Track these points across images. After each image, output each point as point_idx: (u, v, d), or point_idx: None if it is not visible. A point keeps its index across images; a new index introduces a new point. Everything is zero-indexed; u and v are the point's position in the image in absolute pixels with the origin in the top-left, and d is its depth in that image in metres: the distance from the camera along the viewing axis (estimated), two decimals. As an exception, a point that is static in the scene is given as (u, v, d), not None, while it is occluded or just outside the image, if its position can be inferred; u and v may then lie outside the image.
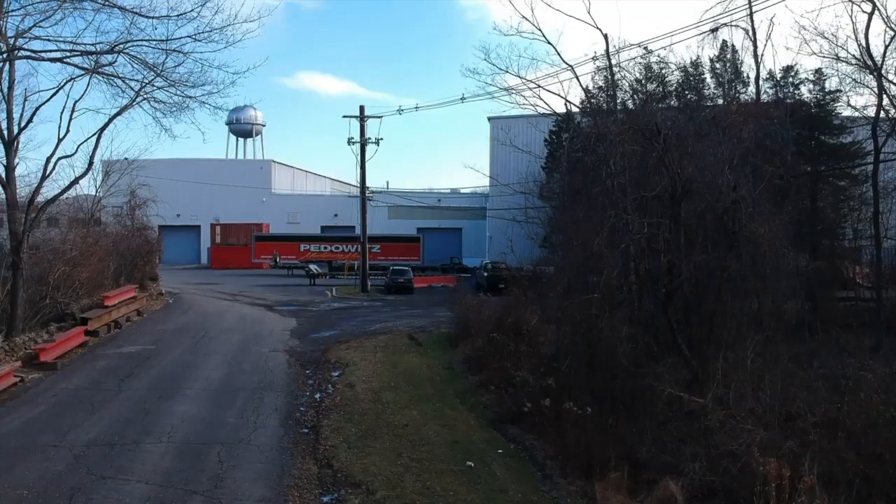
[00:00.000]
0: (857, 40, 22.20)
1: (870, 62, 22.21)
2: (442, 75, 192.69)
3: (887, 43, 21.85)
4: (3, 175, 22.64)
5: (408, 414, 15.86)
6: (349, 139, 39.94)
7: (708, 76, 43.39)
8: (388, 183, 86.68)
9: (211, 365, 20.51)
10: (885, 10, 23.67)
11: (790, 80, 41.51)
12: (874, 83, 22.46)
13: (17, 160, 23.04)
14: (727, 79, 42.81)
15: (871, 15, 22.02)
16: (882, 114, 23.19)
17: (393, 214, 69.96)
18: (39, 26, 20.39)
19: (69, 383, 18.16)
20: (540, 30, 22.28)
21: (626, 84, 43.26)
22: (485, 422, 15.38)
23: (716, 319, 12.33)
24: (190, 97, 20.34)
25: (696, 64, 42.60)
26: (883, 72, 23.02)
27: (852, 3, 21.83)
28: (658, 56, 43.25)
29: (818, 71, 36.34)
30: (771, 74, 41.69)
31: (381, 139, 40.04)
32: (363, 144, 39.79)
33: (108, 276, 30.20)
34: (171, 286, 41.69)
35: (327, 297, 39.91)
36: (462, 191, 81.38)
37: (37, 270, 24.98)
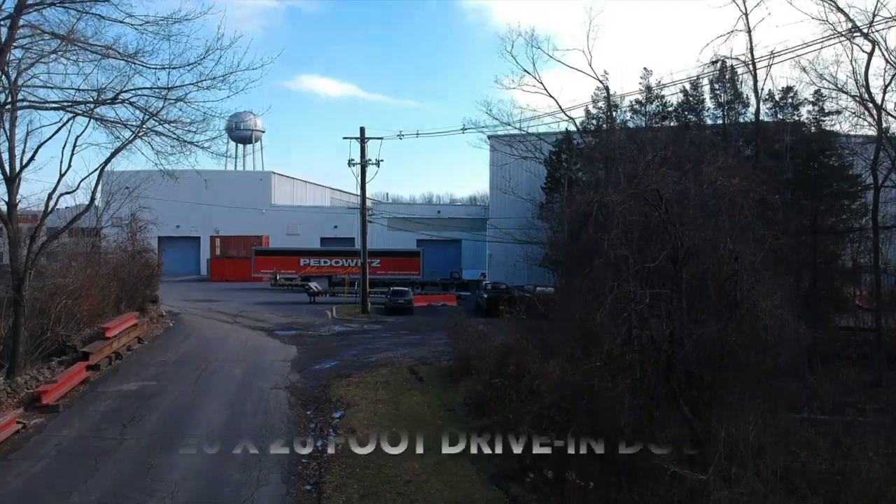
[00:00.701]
0: (856, 79, 22.35)
1: (869, 101, 22.34)
2: (442, 76, 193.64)
3: (887, 82, 21.97)
4: (5, 212, 22.67)
5: (410, 467, 15.90)
6: (349, 160, 40.09)
7: (707, 97, 43.67)
8: (387, 194, 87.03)
9: (213, 406, 20.52)
10: (885, 41, 23.61)
11: (790, 100, 41.71)
12: (873, 117, 22.54)
13: (18, 197, 23.11)
14: (726, 100, 43.02)
15: (870, 55, 22.18)
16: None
17: (393, 226, 70.02)
18: (41, 62, 20.55)
19: (71, 430, 18.19)
20: (541, 82, 22.47)
21: (626, 105, 43.79)
22: (486, 476, 15.41)
23: (717, 388, 12.40)
24: (191, 143, 20.41)
25: (695, 85, 42.89)
26: (883, 108, 23.21)
27: (852, 42, 21.97)
28: (659, 80, 43.70)
29: (817, 92, 36.45)
30: (771, 95, 41.88)
31: (382, 160, 40.18)
32: (363, 166, 39.88)
33: (109, 304, 30.25)
34: (172, 304, 41.75)
35: (327, 318, 39.94)
36: (461, 197, 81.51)
37: (38, 304, 24.99)
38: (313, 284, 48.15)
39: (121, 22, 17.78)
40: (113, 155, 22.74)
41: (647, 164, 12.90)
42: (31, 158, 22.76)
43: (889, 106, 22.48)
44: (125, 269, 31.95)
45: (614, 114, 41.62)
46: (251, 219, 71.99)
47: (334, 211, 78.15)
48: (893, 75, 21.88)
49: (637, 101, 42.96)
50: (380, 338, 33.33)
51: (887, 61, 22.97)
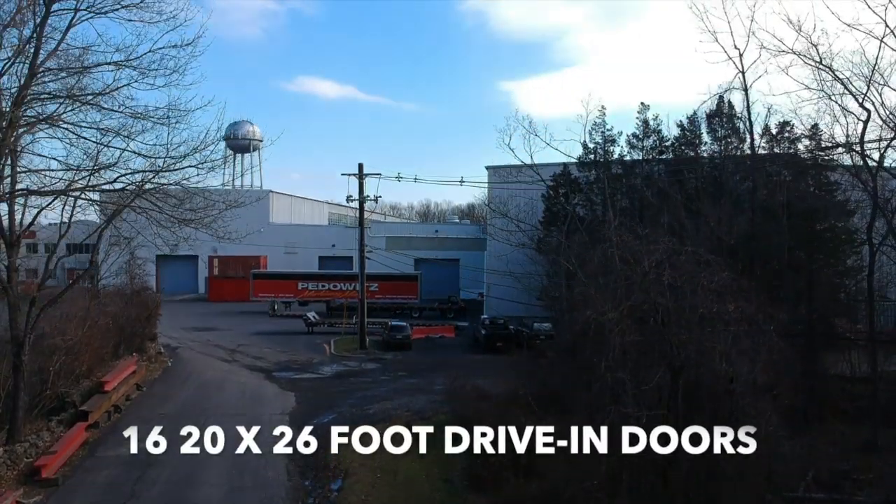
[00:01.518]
0: (849, 143, 22.47)
1: (865, 167, 22.46)
2: (441, 78, 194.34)
3: (882, 149, 22.09)
4: (5, 277, 22.72)
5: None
6: (348, 197, 40.32)
7: (704, 130, 43.74)
8: (386, 216, 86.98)
9: (212, 478, 20.58)
10: (881, 97, 23.43)
11: (786, 134, 41.80)
12: (868, 189, 22.63)
13: (18, 261, 23.18)
14: (724, 134, 43.13)
15: (866, 122, 22.28)
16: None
17: (391, 245, 70.18)
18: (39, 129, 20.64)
19: (71, 510, 18.31)
20: (538, 174, 22.61)
21: (623, 140, 43.91)
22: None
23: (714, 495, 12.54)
24: (189, 220, 20.56)
25: (692, 120, 43.00)
26: (881, 167, 23.29)
27: (845, 111, 22.12)
28: (656, 115, 43.84)
29: (815, 126, 36.54)
30: (767, 129, 41.99)
31: (380, 196, 40.44)
32: (361, 202, 40.02)
33: (107, 351, 30.31)
34: (170, 335, 41.93)
35: (325, 354, 40.00)
36: (459, 203, 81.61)
37: (37, 363, 25.00)
38: (311, 315, 48.13)
39: (120, 112, 17.93)
40: (110, 220, 22.82)
41: (644, 275, 13.03)
42: (31, 223, 22.90)
43: (886, 166, 22.55)
44: (124, 314, 31.99)
45: (613, 148, 41.83)
46: (249, 237, 71.81)
47: (333, 227, 78.31)
48: (889, 142, 22.02)
49: (634, 136, 43.11)
50: (378, 381, 33.39)
51: (884, 123, 23.09)
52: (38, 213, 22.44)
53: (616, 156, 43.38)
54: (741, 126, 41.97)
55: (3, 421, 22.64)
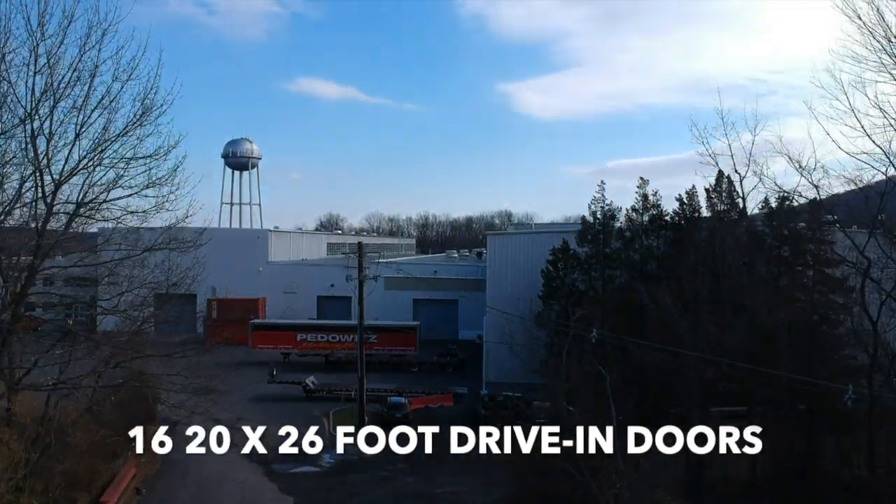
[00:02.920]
0: (849, 297, 22.55)
1: (867, 318, 22.51)
2: (440, 80, 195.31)
3: (880, 306, 22.12)
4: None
5: None
6: (348, 276, 40.21)
7: (703, 202, 43.75)
8: (384, 253, 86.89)
9: None
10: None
11: (786, 206, 41.82)
12: (867, 349, 22.72)
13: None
14: (723, 206, 43.14)
15: (866, 272, 22.30)
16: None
17: (389, 286, 70.33)
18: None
19: None
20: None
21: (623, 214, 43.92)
22: None
23: None
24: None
25: (690, 194, 43.06)
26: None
27: (846, 262, 22.14)
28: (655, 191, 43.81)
29: (813, 201, 36.60)
30: (766, 201, 42.03)
31: (379, 276, 40.40)
32: (361, 281, 39.94)
33: (107, 457, 30.25)
34: (167, 399, 41.71)
35: (324, 432, 40.00)
36: (457, 217, 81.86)
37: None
38: (310, 381, 48.07)
39: (111, 313, 18.03)
40: (106, 365, 22.91)
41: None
42: (33, 366, 22.97)
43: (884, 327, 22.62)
44: (123, 418, 31.88)
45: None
46: (248, 276, 72.24)
47: (331, 267, 78.18)
48: (886, 296, 22.05)
49: (634, 209, 43.18)
50: (377, 478, 33.32)
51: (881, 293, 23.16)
52: (37, 360, 22.50)
53: (617, 225, 43.54)
54: (739, 202, 42.09)
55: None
